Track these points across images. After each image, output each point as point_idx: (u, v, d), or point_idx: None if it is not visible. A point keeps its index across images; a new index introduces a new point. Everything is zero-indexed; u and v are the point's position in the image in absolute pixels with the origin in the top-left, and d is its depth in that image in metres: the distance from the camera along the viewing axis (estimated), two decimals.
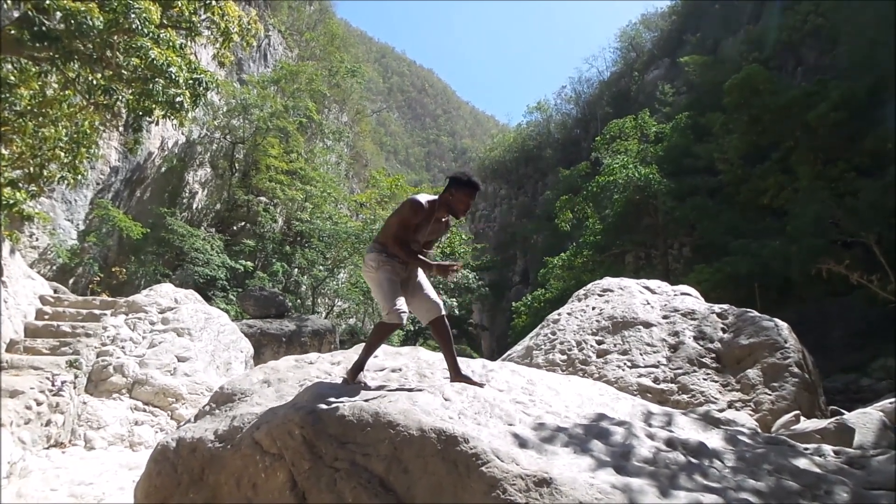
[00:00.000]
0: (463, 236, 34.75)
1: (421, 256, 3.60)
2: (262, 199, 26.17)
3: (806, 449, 3.73)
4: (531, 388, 3.65)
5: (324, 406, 2.93)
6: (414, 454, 2.63)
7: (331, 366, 3.87)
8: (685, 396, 5.36)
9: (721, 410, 4.98)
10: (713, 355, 5.77)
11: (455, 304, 31.29)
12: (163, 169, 22.89)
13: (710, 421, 4.01)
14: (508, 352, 7.26)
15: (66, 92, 10.69)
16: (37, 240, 17.95)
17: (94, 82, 9.07)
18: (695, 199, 23.27)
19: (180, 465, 3.10)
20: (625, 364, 5.84)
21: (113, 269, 18.63)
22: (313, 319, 21.85)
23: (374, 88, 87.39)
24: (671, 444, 3.07)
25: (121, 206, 20.56)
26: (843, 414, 4.95)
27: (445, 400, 3.12)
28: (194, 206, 25.42)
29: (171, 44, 9.08)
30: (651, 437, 3.10)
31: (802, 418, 4.71)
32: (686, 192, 24.13)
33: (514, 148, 49.44)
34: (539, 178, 44.53)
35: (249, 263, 23.55)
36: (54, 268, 18.32)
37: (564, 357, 6.21)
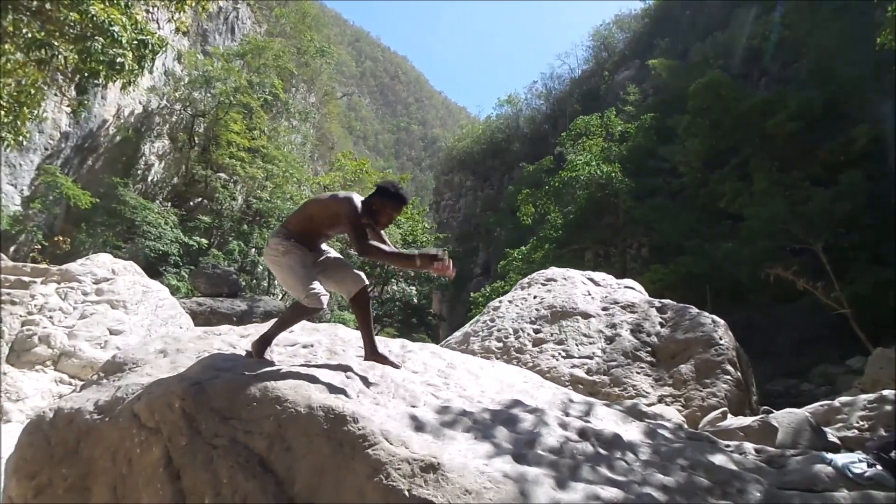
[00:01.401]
0: (426, 225, 34.61)
1: (401, 251, 3.39)
2: (222, 175, 25.55)
3: (727, 446, 3.65)
4: (450, 371, 3.48)
5: (210, 378, 2.71)
6: (299, 432, 2.43)
7: (239, 338, 3.63)
8: (616, 389, 5.27)
9: (651, 405, 4.90)
10: (649, 349, 5.69)
11: (414, 292, 31.19)
12: (117, 138, 22.11)
13: (634, 414, 3.91)
14: (447, 338, 7.11)
15: (6, 46, 10.11)
16: None
17: (31, 35, 8.57)
18: (654, 200, 23.48)
19: (55, 437, 2.84)
20: (559, 354, 5.73)
21: (57, 239, 17.92)
22: (266, 300, 21.46)
23: (347, 72, 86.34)
24: (583, 434, 2.93)
25: (70, 174, 19.81)
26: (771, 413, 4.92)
27: (347, 378, 2.93)
28: (150, 178, 24.65)
29: (115, 1, 8.63)
30: (564, 426, 2.96)
31: (730, 415, 4.66)
32: (647, 192, 24.34)
33: (483, 140, 49.24)
34: (506, 171, 44.46)
35: (204, 240, 23.02)
36: None
37: (500, 344, 6.08)
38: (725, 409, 4.78)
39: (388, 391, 2.88)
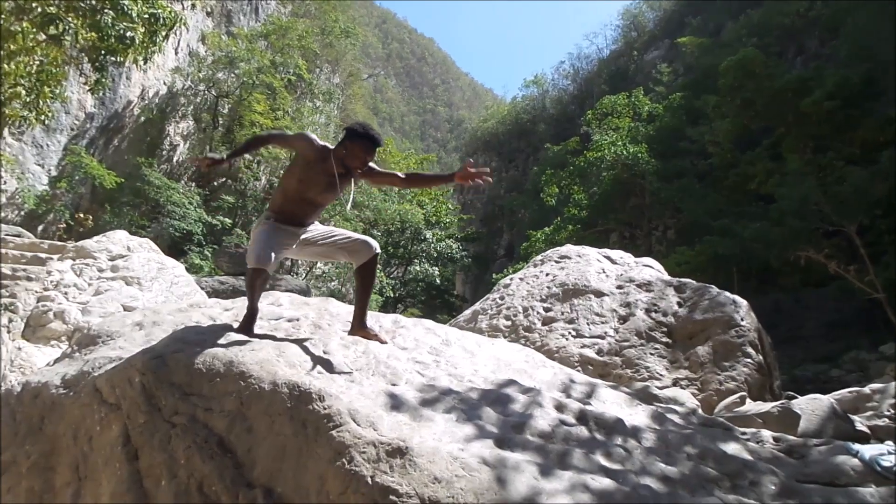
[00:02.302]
0: (450, 206, 34.35)
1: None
2: (246, 155, 25.62)
3: (743, 434, 3.38)
4: (443, 348, 3.26)
5: (174, 351, 2.53)
6: (261, 411, 2.24)
7: (222, 311, 3.45)
8: (629, 371, 5.01)
9: (664, 388, 4.63)
10: (664, 329, 5.40)
11: (437, 273, 31.05)
12: (142, 119, 22.24)
13: (643, 397, 3.65)
14: (457, 316, 6.91)
15: (25, 24, 10.08)
16: (4, 183, 17.39)
17: (41, 10, 8.50)
18: (682, 181, 22.87)
19: (20, 412, 2.70)
20: (569, 333, 5.47)
21: (78, 216, 18.10)
22: (288, 280, 21.46)
23: (373, 54, 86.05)
24: (582, 417, 2.69)
25: (96, 154, 19.98)
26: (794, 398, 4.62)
27: (324, 353, 2.73)
28: (174, 158, 24.82)
29: None
30: (560, 408, 2.72)
31: (749, 401, 4.38)
32: (674, 173, 23.72)
33: (508, 121, 48.67)
34: (531, 152, 43.92)
35: (228, 220, 23.10)
36: (22, 213, 17.81)
37: (509, 323, 5.84)
38: (744, 393, 4.49)
39: (368, 367, 2.68)
